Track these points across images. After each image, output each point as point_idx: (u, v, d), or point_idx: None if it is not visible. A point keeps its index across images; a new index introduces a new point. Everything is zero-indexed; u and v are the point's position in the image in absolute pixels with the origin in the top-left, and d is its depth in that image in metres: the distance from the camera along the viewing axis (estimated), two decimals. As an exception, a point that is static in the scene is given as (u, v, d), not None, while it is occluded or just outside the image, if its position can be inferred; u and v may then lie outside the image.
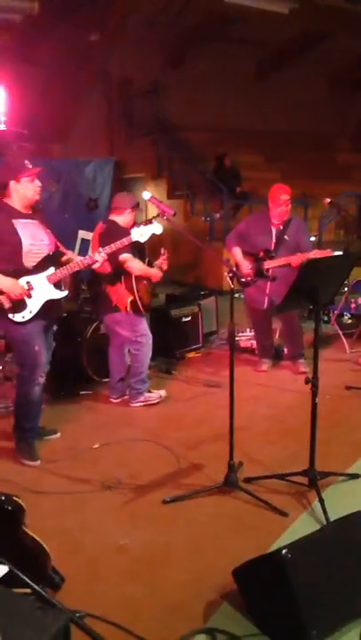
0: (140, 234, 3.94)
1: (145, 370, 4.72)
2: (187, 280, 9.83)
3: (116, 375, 4.82)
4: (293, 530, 2.97)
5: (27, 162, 3.69)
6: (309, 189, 10.17)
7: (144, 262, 4.55)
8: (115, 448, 4.00)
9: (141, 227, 3.95)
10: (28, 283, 3.62)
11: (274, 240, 5.20)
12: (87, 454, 3.91)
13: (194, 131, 11.85)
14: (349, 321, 6.74)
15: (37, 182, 3.71)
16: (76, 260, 3.82)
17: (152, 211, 4.75)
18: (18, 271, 3.61)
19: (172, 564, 2.78)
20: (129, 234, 4.00)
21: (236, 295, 3.55)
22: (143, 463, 3.78)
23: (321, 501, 3.10)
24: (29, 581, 2.02)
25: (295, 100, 12.69)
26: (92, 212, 7.26)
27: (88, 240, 6.85)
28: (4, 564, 1.98)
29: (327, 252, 4.99)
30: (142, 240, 3.98)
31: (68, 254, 3.89)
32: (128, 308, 4.49)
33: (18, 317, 3.62)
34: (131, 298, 4.47)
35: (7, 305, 3.58)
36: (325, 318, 6.56)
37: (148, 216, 7.54)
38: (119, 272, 4.45)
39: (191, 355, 6.10)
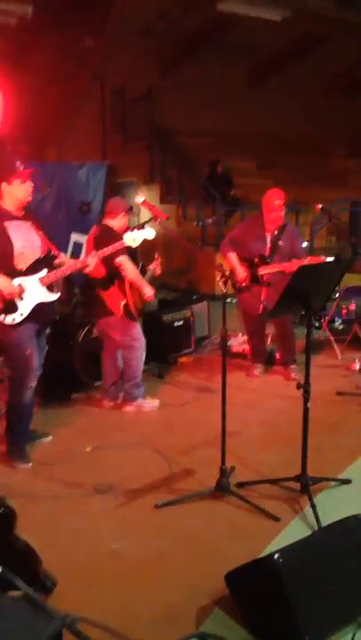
0: (133, 239, 3.94)
1: (139, 374, 4.72)
2: (179, 285, 9.83)
3: (108, 379, 4.81)
4: (285, 535, 2.97)
5: (18, 163, 3.69)
6: (302, 195, 10.21)
7: (136, 267, 4.56)
8: (107, 452, 4.00)
9: (135, 231, 3.96)
10: (19, 285, 3.61)
11: (268, 246, 5.22)
12: (79, 458, 3.90)
13: (187, 136, 11.89)
14: (341, 327, 6.76)
15: (29, 183, 3.71)
16: (68, 262, 3.82)
17: (145, 215, 4.77)
18: (9, 273, 3.60)
19: (165, 568, 2.77)
20: (122, 238, 4.01)
21: (229, 300, 3.56)
22: (135, 468, 3.77)
23: (313, 506, 3.11)
24: (21, 585, 2.01)
25: (289, 106, 12.74)
26: (84, 215, 7.27)
27: (81, 243, 6.87)
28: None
29: (320, 259, 5.02)
30: (134, 245, 3.99)
31: (61, 257, 3.90)
32: (121, 312, 4.49)
33: (8, 319, 3.60)
34: (124, 302, 4.47)
35: (-2, 307, 3.57)
36: (317, 324, 6.58)
37: (140, 220, 7.57)
38: (113, 276, 4.45)
39: (183, 359, 6.10)
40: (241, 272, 5.22)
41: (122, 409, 4.74)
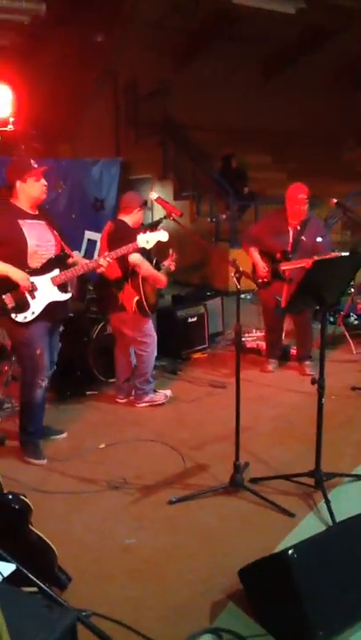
0: (147, 240, 3.94)
1: (150, 370, 4.73)
2: (193, 281, 9.82)
3: (121, 375, 4.83)
4: (299, 530, 2.97)
5: (32, 161, 3.71)
6: (316, 189, 10.13)
7: (151, 263, 4.57)
8: (121, 448, 4.01)
9: (148, 233, 3.96)
10: (32, 283, 3.62)
11: (291, 241, 5.18)
12: (93, 454, 3.92)
13: (200, 131, 11.84)
14: (356, 322, 6.71)
15: (43, 181, 3.71)
16: (81, 262, 3.83)
17: (159, 211, 4.76)
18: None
19: (178, 563, 2.78)
20: (137, 233, 4.01)
21: (243, 296, 3.54)
22: (149, 463, 3.78)
23: (327, 502, 3.10)
24: (36, 580, 2.03)
25: (302, 99, 12.65)
26: (98, 212, 7.27)
27: (95, 241, 6.87)
28: (11, 562, 1.99)
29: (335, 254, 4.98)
30: (148, 247, 4.00)
31: (74, 257, 3.90)
32: (134, 308, 4.50)
33: (20, 318, 3.61)
34: (137, 298, 4.48)
35: (10, 305, 3.58)
36: (331, 319, 6.54)
37: (154, 216, 7.57)
38: (127, 275, 4.46)
39: (197, 355, 6.10)
40: (262, 267, 5.20)
41: (135, 405, 4.76)
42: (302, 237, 5.15)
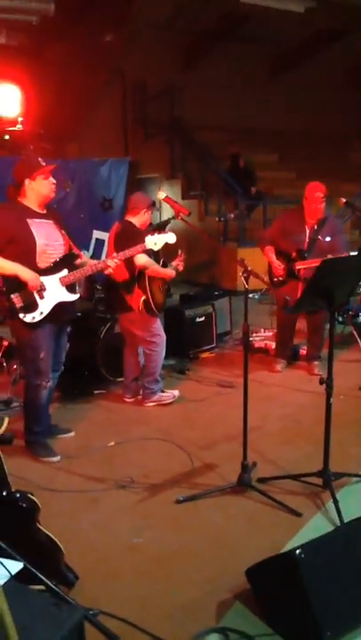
0: (155, 242, 3.94)
1: (158, 370, 4.73)
2: (201, 280, 9.82)
3: (130, 375, 4.84)
4: (307, 530, 2.96)
5: (41, 159, 3.71)
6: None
7: (158, 263, 4.57)
8: (128, 447, 4.02)
9: (155, 235, 3.96)
10: (41, 283, 3.62)
11: (307, 240, 5.17)
12: (101, 453, 3.92)
13: (208, 131, 11.83)
14: (365, 322, 6.67)
15: (52, 179, 3.71)
16: (89, 263, 3.83)
17: (167, 210, 4.77)
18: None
19: (185, 562, 2.78)
20: (145, 234, 4.01)
21: (251, 296, 3.54)
22: (157, 462, 3.78)
23: (335, 502, 3.09)
24: (44, 578, 2.04)
25: (310, 99, 12.62)
26: (106, 211, 7.29)
27: (103, 240, 6.89)
28: (19, 560, 2.00)
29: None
30: (156, 248, 4.01)
31: (83, 257, 3.91)
32: (141, 308, 4.50)
33: (28, 318, 3.60)
34: (144, 297, 4.48)
35: (19, 304, 3.58)
36: (340, 319, 6.52)
37: (163, 216, 7.57)
38: (135, 278, 4.46)
39: (205, 355, 6.10)
40: (278, 266, 5.19)
41: (142, 404, 4.76)
42: (319, 237, 5.13)
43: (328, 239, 5.14)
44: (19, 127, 6.38)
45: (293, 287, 5.14)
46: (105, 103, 11.96)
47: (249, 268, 3.34)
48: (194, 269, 9.22)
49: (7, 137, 6.69)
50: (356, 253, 5.09)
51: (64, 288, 3.69)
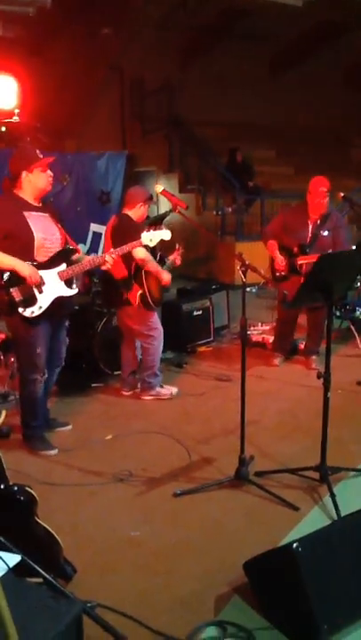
0: (150, 238, 3.94)
1: (157, 363, 4.73)
2: (198, 274, 9.81)
3: (127, 368, 4.84)
4: (304, 524, 2.97)
5: (38, 152, 3.68)
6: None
7: (155, 258, 4.56)
8: (126, 441, 4.02)
9: (151, 231, 3.96)
10: (40, 277, 3.60)
11: (309, 235, 5.16)
12: (99, 446, 3.92)
13: (206, 125, 11.79)
14: (362, 316, 6.68)
15: (49, 172, 3.68)
16: (87, 258, 3.82)
17: (164, 204, 4.75)
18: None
19: (183, 556, 2.79)
20: (142, 228, 4.00)
21: (248, 289, 3.53)
22: (155, 456, 3.79)
23: (332, 496, 3.09)
24: (42, 571, 2.04)
25: (309, 94, 12.58)
26: (104, 205, 7.26)
27: (100, 233, 6.87)
28: (17, 553, 2.00)
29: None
30: (151, 245, 4.00)
31: (80, 252, 3.89)
32: (138, 302, 4.49)
33: (27, 312, 3.57)
34: (140, 292, 4.47)
35: (18, 298, 3.56)
36: (338, 313, 6.52)
37: (160, 210, 7.55)
38: (130, 268, 4.45)
39: (202, 349, 6.10)
40: (280, 260, 5.18)
41: (140, 398, 4.76)
42: (321, 232, 5.12)
43: (326, 233, 5.13)
44: (15, 119, 6.33)
45: (295, 282, 5.13)
46: (103, 99, 11.90)
47: (247, 262, 3.33)
48: (191, 263, 9.20)
49: (3, 129, 6.65)
50: (353, 248, 5.10)
51: (62, 282, 3.67)
